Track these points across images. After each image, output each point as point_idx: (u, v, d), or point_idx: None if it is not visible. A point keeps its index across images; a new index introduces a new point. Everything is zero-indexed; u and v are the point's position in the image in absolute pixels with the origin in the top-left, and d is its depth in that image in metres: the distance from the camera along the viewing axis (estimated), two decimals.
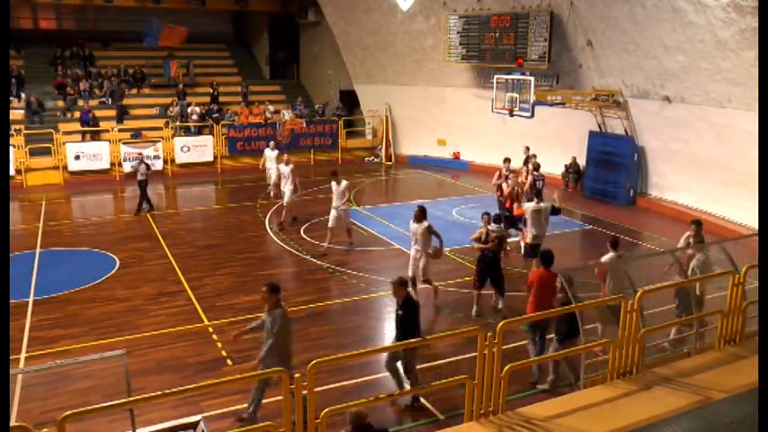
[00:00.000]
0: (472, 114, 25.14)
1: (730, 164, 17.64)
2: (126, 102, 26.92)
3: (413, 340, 7.79)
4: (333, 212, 15.38)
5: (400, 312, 8.54)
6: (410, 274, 12.10)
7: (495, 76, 21.55)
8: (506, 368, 6.49)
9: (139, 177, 19.10)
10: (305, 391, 5.87)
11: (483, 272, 11.85)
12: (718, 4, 15.69)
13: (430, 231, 11.96)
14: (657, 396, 6.80)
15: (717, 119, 17.76)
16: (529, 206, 13.43)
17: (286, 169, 17.56)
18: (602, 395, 6.88)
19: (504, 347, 6.74)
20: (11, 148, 22.46)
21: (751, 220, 16.96)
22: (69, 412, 5.54)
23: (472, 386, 6.53)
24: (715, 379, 7.13)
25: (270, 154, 20.49)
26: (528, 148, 19.54)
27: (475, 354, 6.65)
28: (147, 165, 19.58)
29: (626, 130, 20.75)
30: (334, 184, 15.44)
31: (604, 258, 10.13)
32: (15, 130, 23.22)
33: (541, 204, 13.32)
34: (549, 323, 8.92)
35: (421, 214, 12.11)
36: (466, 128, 25.98)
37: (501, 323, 6.60)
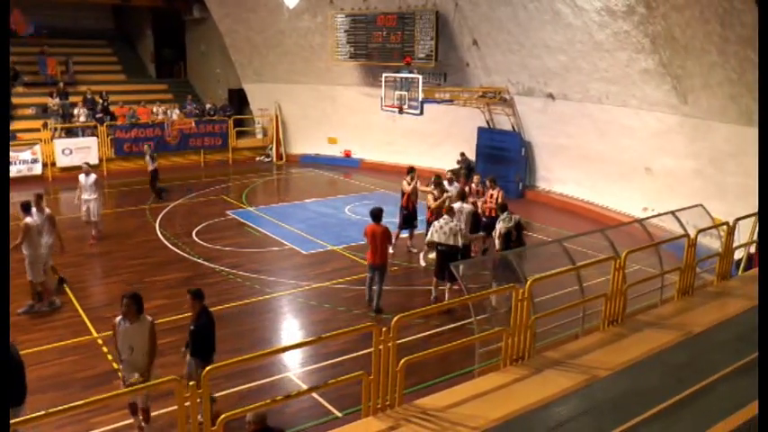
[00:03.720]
0: (363, 112, 25.27)
1: (611, 156, 18.66)
2: None
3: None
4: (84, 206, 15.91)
5: (192, 327, 8.15)
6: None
7: (384, 75, 21.76)
8: (402, 362, 6.54)
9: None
10: (199, 399, 5.69)
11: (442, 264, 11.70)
12: (592, 8, 16.50)
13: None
14: (548, 378, 7.07)
15: (597, 114, 18.72)
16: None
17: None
18: (496, 382, 7.07)
19: (400, 341, 6.80)
20: None
21: (629, 208, 18.03)
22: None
23: (369, 381, 6.55)
24: (601, 358, 7.49)
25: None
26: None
27: (371, 349, 6.67)
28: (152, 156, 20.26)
29: (513, 126, 21.49)
30: (82, 176, 15.96)
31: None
32: None
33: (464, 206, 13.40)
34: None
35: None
36: (356, 126, 26.09)
37: (395, 318, 6.66)
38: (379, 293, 11.90)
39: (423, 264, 14.36)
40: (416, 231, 15.39)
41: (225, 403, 8.09)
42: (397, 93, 20.92)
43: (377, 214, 11.75)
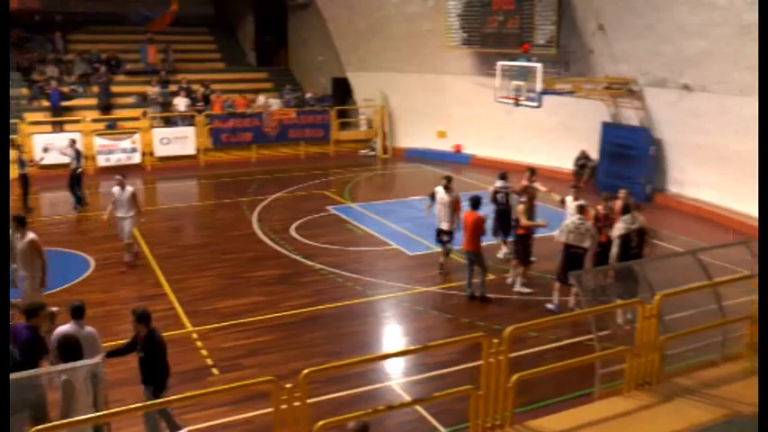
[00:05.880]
0: (474, 104, 25.09)
1: (754, 157, 17.63)
2: (99, 90, 26.72)
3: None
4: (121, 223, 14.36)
5: (141, 354, 7.72)
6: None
7: (499, 63, 21.50)
8: (514, 377, 6.47)
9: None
10: (297, 403, 5.85)
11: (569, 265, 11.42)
12: None
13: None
14: (679, 409, 6.80)
15: (739, 109, 17.76)
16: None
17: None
18: (619, 407, 6.88)
19: (513, 355, 6.73)
20: None
21: None
22: (41, 426, 5.50)
23: (477, 397, 6.51)
24: (744, 391, 7.10)
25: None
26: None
27: (481, 362, 6.64)
28: (77, 151, 19.33)
29: (641, 122, 20.76)
30: (116, 189, 14.28)
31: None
32: None
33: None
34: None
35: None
36: (467, 119, 25.94)
37: (509, 329, 6.59)
38: (480, 283, 12.38)
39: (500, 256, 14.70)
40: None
41: (320, 410, 8.25)
42: (514, 83, 20.63)
43: (475, 201, 12.36)
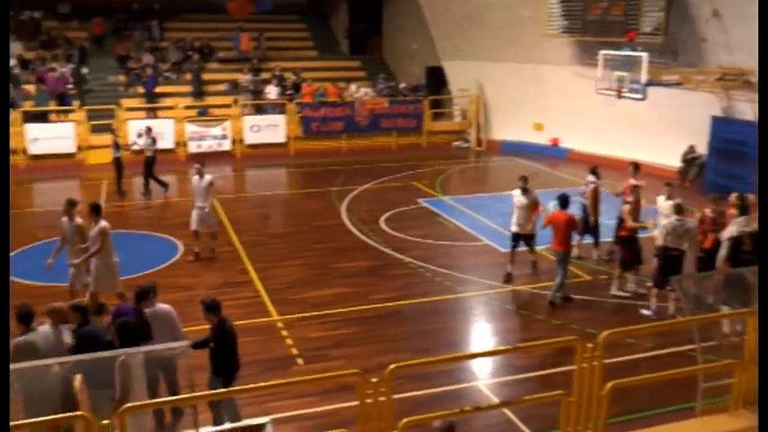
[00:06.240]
0: (573, 95, 24.54)
1: None
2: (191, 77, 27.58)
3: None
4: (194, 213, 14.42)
5: (211, 344, 7.92)
6: None
7: (602, 52, 20.96)
8: (609, 385, 6.31)
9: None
10: (382, 398, 5.87)
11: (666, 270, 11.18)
12: None
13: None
14: None
15: None
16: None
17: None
18: (724, 426, 6.60)
19: (609, 361, 6.55)
20: (71, 124, 23.72)
21: None
22: (129, 405, 5.74)
23: (568, 403, 6.39)
24: None
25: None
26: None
27: (573, 367, 6.51)
28: (153, 139, 20.05)
29: (757, 116, 19.81)
30: (195, 178, 14.42)
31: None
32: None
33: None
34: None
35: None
36: (566, 111, 25.39)
37: (604, 333, 6.43)
38: (557, 285, 11.99)
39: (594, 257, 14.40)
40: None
41: (403, 406, 8.27)
42: (616, 73, 20.10)
43: (563, 200, 12.05)
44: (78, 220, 11.14)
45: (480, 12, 25.99)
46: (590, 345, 6.35)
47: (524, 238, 13.29)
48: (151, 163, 19.75)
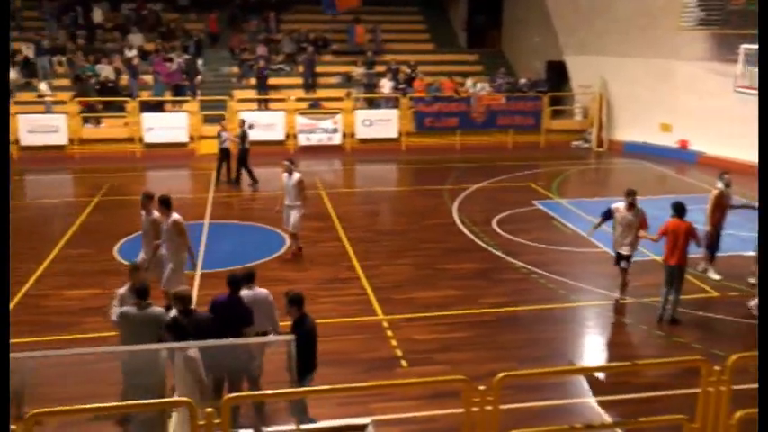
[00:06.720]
0: (707, 94, 23.51)
1: None
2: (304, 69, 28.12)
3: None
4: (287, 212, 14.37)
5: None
6: None
7: (743, 46, 19.98)
8: (738, 414, 6.00)
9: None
10: (489, 407, 5.81)
11: None
12: None
13: None
14: None
15: None
16: None
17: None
18: None
19: (737, 388, 6.24)
20: (185, 114, 24.73)
21: None
22: (231, 395, 5.92)
23: (691, 429, 6.15)
24: None
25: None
26: None
27: (697, 390, 6.26)
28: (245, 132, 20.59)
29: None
30: (285, 176, 14.24)
31: None
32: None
33: None
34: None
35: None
36: (697, 111, 24.35)
37: (734, 356, 6.13)
38: (675, 301, 11.50)
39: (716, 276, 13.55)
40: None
41: (510, 417, 8.15)
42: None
43: (680, 208, 11.55)
44: (155, 214, 11.06)
45: (607, 3, 25.32)
46: (717, 367, 6.08)
47: (627, 259, 12.31)
48: (244, 155, 20.37)
